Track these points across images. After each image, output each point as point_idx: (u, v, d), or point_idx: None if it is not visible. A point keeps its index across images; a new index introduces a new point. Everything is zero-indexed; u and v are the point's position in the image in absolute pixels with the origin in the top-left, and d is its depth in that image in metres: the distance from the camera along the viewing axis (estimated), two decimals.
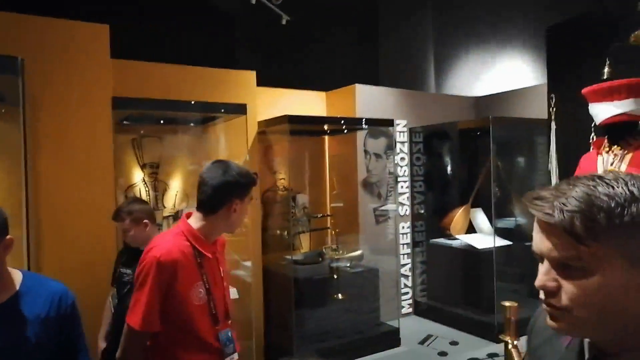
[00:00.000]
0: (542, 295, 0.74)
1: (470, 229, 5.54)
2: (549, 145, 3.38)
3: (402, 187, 5.56)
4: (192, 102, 3.69)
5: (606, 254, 0.66)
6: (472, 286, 5.15)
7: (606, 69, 2.62)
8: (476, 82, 6.85)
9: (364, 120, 4.89)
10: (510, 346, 2.02)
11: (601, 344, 0.76)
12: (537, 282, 0.74)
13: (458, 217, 5.51)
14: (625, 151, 2.16)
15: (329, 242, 5.12)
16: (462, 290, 5.27)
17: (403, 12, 6.92)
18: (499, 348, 4.25)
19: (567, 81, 2.66)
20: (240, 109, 3.82)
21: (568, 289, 0.70)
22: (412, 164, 5.64)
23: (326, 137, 5.37)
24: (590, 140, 2.47)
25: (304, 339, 4.24)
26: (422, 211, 5.72)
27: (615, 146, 2.21)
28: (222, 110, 3.78)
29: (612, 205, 0.66)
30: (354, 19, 7.00)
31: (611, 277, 0.67)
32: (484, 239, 5.18)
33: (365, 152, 5.27)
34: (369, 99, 5.27)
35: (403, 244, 5.55)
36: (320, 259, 4.82)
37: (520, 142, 5.72)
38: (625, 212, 0.65)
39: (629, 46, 2.57)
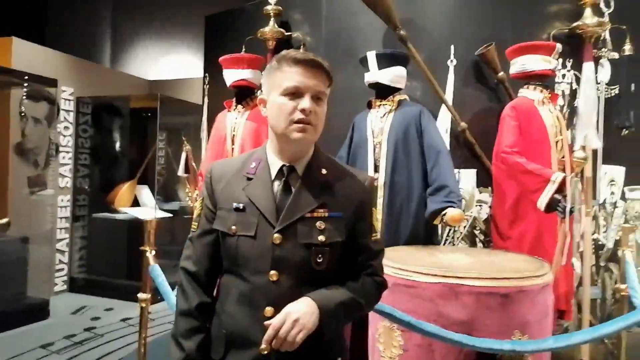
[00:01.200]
0: (302, 115, 1.14)
1: (136, 204, 5.72)
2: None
3: (64, 158, 5.28)
4: None
5: (328, 91, 1.21)
6: (132, 256, 5.32)
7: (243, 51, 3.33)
8: (153, 67, 7.13)
9: (18, 72, 4.43)
10: (147, 253, 2.37)
11: (293, 156, 1.21)
12: (306, 105, 1.14)
13: (123, 191, 5.62)
14: (244, 109, 2.86)
15: None
16: (123, 261, 5.38)
17: None
18: (151, 308, 4.59)
19: (218, 63, 3.22)
20: None
21: (318, 111, 1.17)
22: (77, 135, 5.44)
23: None
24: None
25: None
26: (86, 186, 5.57)
27: (240, 105, 2.89)
28: None
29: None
30: None
31: (326, 105, 1.21)
32: (148, 211, 5.46)
33: (22, 114, 4.78)
34: (30, 58, 4.83)
35: (61, 218, 5.26)
36: None
37: (188, 126, 6.28)
38: None
39: (257, 39, 3.36)
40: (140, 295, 2.42)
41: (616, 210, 3.15)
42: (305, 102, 1.14)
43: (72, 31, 6.32)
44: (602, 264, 3.12)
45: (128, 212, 5.43)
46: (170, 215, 5.54)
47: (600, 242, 3.11)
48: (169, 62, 7.20)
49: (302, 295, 1.12)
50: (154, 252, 2.38)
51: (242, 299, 1.17)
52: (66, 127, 5.28)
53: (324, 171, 1.23)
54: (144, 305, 2.43)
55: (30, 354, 3.50)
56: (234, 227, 1.18)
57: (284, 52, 1.20)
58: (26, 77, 4.45)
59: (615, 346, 2.98)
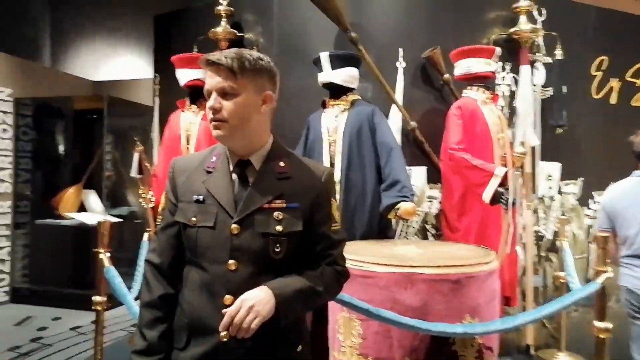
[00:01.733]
0: (212, 115, 1.18)
1: (83, 210, 5.51)
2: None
3: (3, 162, 5.02)
4: None
5: (247, 83, 1.18)
6: (80, 263, 5.13)
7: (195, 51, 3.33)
8: (98, 68, 6.89)
9: None
10: (102, 255, 2.32)
11: (240, 150, 1.24)
12: (210, 104, 1.18)
13: (68, 196, 5.40)
14: (199, 109, 2.86)
15: None
16: (70, 269, 5.17)
17: None
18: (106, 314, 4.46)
19: (169, 63, 3.19)
20: None
21: (227, 106, 1.17)
22: (17, 139, 5.18)
23: None
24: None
25: None
26: (28, 191, 5.31)
27: (194, 105, 2.88)
28: None
29: (249, 57, 1.19)
30: None
31: (247, 98, 1.19)
32: (96, 216, 5.27)
33: None
34: None
35: (2, 225, 4.99)
36: None
37: (136, 128, 6.11)
38: (254, 62, 1.19)
39: (209, 39, 3.35)
40: (95, 299, 2.36)
41: (553, 204, 3.40)
42: (210, 101, 1.19)
43: (8, 28, 6.01)
44: (543, 254, 3.35)
45: (74, 217, 5.22)
46: (120, 220, 5.37)
47: (540, 234, 3.34)
48: (115, 63, 6.99)
49: (261, 284, 1.16)
50: (108, 254, 2.34)
51: (202, 288, 1.20)
52: (5, 130, 5.02)
53: (281, 164, 1.26)
54: (99, 308, 2.37)
55: None
56: (194, 219, 1.22)
57: None
58: None
59: (556, 330, 3.22)
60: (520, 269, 3.12)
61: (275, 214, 1.20)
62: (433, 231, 3.08)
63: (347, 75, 2.63)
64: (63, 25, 6.69)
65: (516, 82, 3.21)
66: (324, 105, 2.75)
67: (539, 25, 3.21)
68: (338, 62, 2.61)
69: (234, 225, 1.18)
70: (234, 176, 1.25)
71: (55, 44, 6.70)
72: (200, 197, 1.23)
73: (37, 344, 3.80)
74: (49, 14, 6.58)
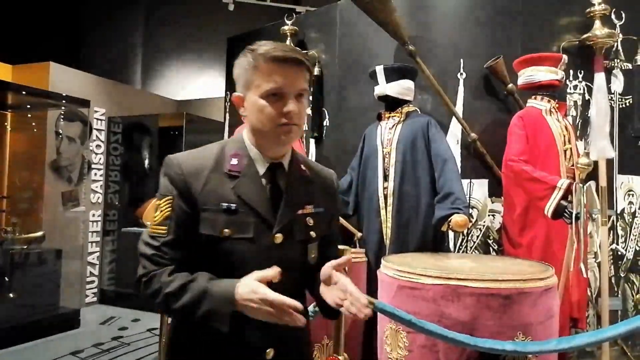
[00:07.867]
0: (286, 120, 1.08)
1: None
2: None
3: (95, 174, 5.55)
4: None
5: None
6: None
7: None
8: (181, 88, 7.43)
9: (54, 94, 4.72)
10: None
11: (277, 153, 1.16)
12: (291, 109, 1.08)
13: (151, 207, 5.79)
14: None
15: (2, 224, 4.67)
16: None
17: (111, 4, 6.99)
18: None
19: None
20: None
21: (301, 109, 1.12)
22: (108, 153, 5.71)
23: (8, 114, 4.94)
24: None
25: None
26: (117, 201, 5.81)
27: None
28: None
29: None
30: None
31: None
32: None
33: (57, 133, 5.07)
34: (66, 81, 5.14)
35: (93, 232, 5.50)
36: None
37: (211, 143, 6.48)
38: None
39: None
40: None
41: (635, 220, 3.13)
42: (290, 105, 1.08)
43: (105, 55, 6.69)
44: (622, 274, 3.09)
45: None
46: None
47: (619, 253, 3.08)
48: (195, 83, 7.49)
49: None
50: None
51: None
52: (98, 146, 5.55)
53: (302, 167, 1.24)
54: None
55: None
56: (226, 230, 1.08)
57: (256, 45, 1.12)
58: (62, 99, 4.73)
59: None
60: (595, 290, 2.90)
61: (307, 219, 1.18)
62: (495, 246, 2.97)
63: (401, 88, 2.64)
64: (152, 49, 7.30)
65: (590, 90, 3.03)
66: (379, 118, 2.77)
67: (616, 30, 3.02)
68: (392, 74, 2.64)
69: (277, 235, 1.11)
70: (263, 181, 1.15)
71: (145, 67, 7.33)
72: (232, 206, 1.09)
73: (117, 342, 4.12)
74: (141, 40, 7.23)
